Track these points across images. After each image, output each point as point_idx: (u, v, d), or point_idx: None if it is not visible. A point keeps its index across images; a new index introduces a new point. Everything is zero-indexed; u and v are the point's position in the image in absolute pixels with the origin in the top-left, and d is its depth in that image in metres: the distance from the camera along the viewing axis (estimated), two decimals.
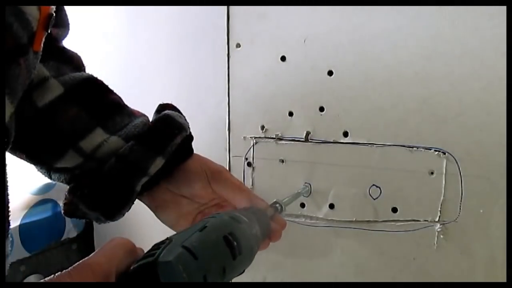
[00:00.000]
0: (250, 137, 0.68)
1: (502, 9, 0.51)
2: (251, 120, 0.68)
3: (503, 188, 0.54)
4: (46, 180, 0.76)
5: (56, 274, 0.28)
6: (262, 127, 0.67)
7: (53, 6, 0.32)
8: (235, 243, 0.32)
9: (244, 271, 0.36)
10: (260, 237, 0.38)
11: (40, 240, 0.75)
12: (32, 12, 0.29)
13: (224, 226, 0.34)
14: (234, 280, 0.33)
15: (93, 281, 0.28)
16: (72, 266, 0.29)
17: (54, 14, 0.32)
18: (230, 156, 0.70)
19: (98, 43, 0.77)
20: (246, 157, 0.69)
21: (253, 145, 0.68)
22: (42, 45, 0.31)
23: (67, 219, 0.79)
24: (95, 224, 0.84)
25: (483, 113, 0.54)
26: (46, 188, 0.77)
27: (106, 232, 0.81)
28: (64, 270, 0.28)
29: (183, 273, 0.28)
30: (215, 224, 0.34)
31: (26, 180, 0.74)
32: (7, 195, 0.27)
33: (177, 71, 0.72)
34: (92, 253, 0.30)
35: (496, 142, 0.54)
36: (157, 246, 0.30)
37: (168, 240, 0.31)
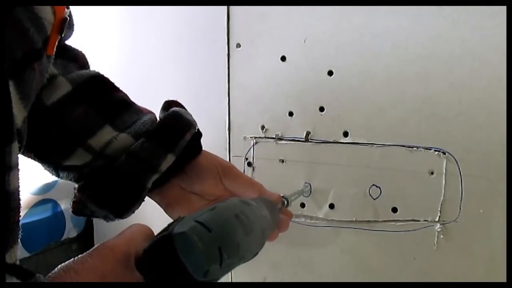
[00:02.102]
0: (250, 137, 0.68)
1: (502, 9, 0.51)
2: (251, 120, 0.68)
3: (503, 188, 0.54)
4: (46, 180, 0.77)
5: (78, 256, 0.28)
6: (262, 127, 0.67)
7: (67, 10, 0.32)
8: (246, 221, 0.33)
9: (257, 253, 0.36)
10: (270, 220, 0.38)
11: (40, 240, 0.75)
12: (47, 16, 0.29)
13: (234, 206, 0.34)
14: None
15: (113, 260, 0.29)
16: (91, 249, 0.29)
17: (68, 18, 0.32)
18: (230, 156, 0.70)
19: (98, 43, 0.77)
20: (246, 157, 0.69)
21: (253, 145, 0.68)
22: (55, 48, 0.31)
23: (67, 219, 0.79)
24: (95, 224, 0.83)
25: (483, 113, 0.54)
26: (46, 188, 0.76)
27: (106, 232, 0.81)
28: (85, 252, 0.28)
29: (198, 242, 0.28)
30: (225, 205, 0.34)
31: (26, 180, 0.73)
32: (19, 199, 0.26)
33: (177, 71, 0.72)
34: (112, 238, 0.31)
35: (496, 142, 0.54)
36: (169, 224, 0.30)
37: (180, 218, 0.31)
